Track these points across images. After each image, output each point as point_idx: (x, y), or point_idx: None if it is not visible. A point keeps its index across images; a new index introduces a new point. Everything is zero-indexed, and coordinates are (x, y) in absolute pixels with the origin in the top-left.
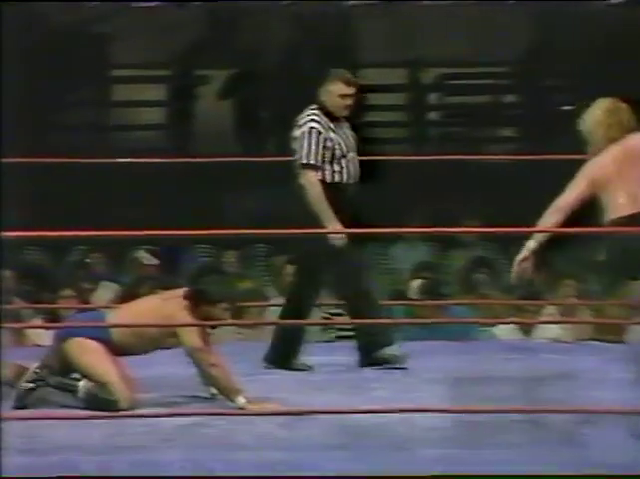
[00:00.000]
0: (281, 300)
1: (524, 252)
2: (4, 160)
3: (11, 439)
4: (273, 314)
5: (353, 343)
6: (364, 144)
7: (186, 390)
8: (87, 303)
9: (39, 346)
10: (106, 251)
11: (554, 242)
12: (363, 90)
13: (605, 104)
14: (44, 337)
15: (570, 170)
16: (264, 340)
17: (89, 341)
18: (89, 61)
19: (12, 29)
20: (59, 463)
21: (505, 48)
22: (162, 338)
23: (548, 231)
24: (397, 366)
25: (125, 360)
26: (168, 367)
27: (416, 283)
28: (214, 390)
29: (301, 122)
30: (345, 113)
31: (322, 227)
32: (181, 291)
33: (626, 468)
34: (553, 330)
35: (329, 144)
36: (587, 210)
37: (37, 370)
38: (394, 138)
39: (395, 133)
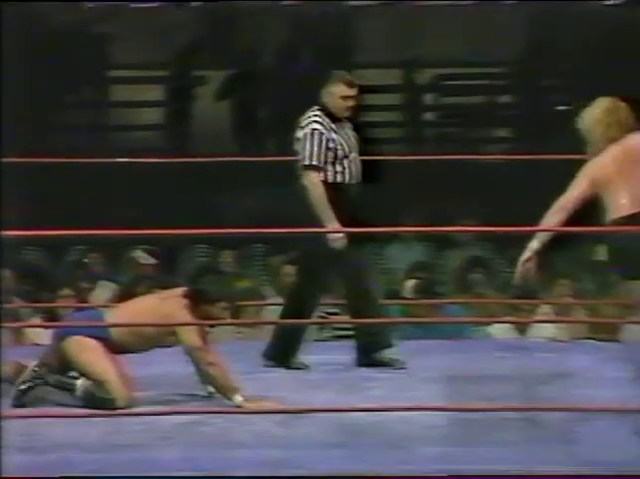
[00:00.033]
0: (279, 299)
1: (527, 253)
2: (4, 160)
3: (10, 437)
4: (270, 313)
5: (352, 342)
6: (362, 144)
7: (184, 388)
8: (85, 302)
9: (38, 345)
10: (104, 251)
11: (557, 243)
12: (361, 90)
13: (604, 103)
14: (43, 336)
15: (566, 170)
16: (262, 339)
17: (88, 339)
18: (87, 61)
19: (11, 29)
20: (57, 461)
21: (501, 49)
22: (161, 337)
23: (546, 230)
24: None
25: (123, 358)
26: (166, 366)
27: (410, 283)
28: (212, 389)
29: (303, 123)
30: (347, 114)
31: (322, 227)
32: (180, 290)
33: (621, 466)
34: (548, 329)
35: (331, 145)
36: (588, 210)
37: (36, 368)
38: (390, 138)
39: (391, 133)
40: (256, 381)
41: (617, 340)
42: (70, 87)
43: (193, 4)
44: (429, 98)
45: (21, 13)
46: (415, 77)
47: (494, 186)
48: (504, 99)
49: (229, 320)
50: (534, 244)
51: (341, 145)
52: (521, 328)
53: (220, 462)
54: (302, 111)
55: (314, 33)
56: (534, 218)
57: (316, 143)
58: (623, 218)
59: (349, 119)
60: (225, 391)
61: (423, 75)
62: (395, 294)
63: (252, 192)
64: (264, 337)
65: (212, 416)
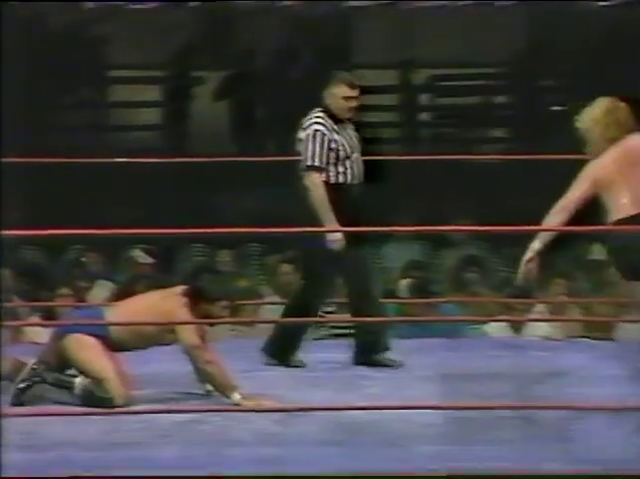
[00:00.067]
0: (275, 298)
1: (529, 253)
2: (4, 160)
3: (9, 436)
4: (268, 312)
5: (351, 341)
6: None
7: (182, 387)
8: (83, 301)
9: (36, 343)
10: (102, 250)
11: (558, 243)
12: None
13: (604, 103)
14: (41, 334)
15: (561, 169)
16: (259, 337)
17: (87, 337)
18: (86, 62)
19: (11, 29)
20: (56, 459)
21: (497, 50)
22: (160, 335)
23: (544, 230)
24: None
25: (122, 356)
26: (165, 364)
27: (405, 282)
28: (210, 387)
29: (306, 124)
30: (349, 115)
31: (321, 227)
32: (180, 289)
33: (615, 463)
34: (543, 328)
35: (333, 146)
36: (589, 210)
37: (34, 366)
38: (386, 138)
39: (387, 133)
40: (254, 379)
41: (611, 339)
42: (68, 87)
43: (191, 5)
44: (425, 98)
45: (20, 13)
46: (411, 77)
47: (490, 185)
48: (500, 99)
49: (229, 319)
50: (536, 245)
51: (343, 146)
52: (517, 327)
53: (218, 460)
54: (299, 111)
55: (311, 33)
56: (529, 217)
57: (318, 144)
58: (625, 219)
59: (351, 120)
60: (224, 389)
61: (419, 75)
62: (390, 294)
63: (250, 192)
64: (261, 335)
65: (210, 414)
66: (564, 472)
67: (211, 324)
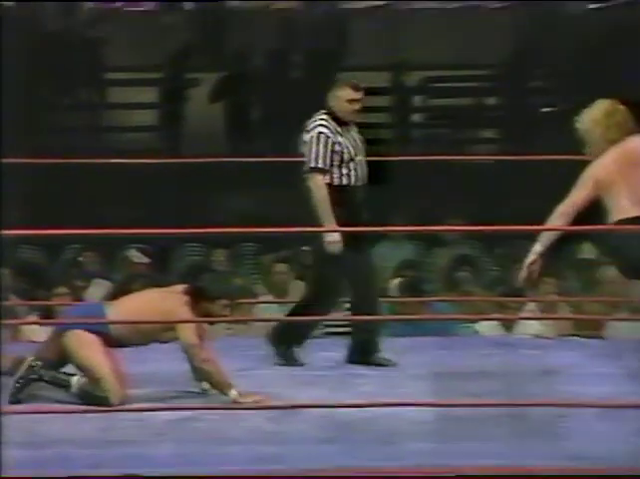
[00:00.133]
0: (269, 297)
1: (531, 256)
2: (4, 160)
3: (8, 433)
4: (261, 311)
5: (347, 340)
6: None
7: (178, 386)
8: (81, 300)
9: (34, 342)
10: (99, 250)
11: (560, 245)
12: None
13: (604, 105)
14: (39, 333)
15: (550, 169)
16: (255, 336)
17: (87, 334)
18: (82, 64)
19: (10, 31)
20: (53, 456)
21: (488, 51)
22: (160, 332)
23: (542, 229)
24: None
25: (119, 355)
26: (161, 363)
27: (397, 281)
28: (205, 385)
29: (310, 127)
30: (353, 117)
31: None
32: (181, 287)
33: (605, 460)
34: (534, 326)
35: (337, 148)
36: (590, 212)
37: (32, 364)
38: (381, 139)
39: (381, 134)
40: (250, 378)
41: (602, 337)
42: (65, 89)
43: (187, 7)
44: (417, 100)
45: (19, 14)
46: (403, 79)
47: (481, 185)
48: (491, 101)
49: (228, 318)
50: (538, 248)
51: (347, 148)
52: (508, 326)
53: (213, 458)
54: (294, 112)
55: (305, 35)
56: (521, 216)
57: (322, 146)
58: (625, 220)
59: (355, 122)
60: (221, 387)
61: (411, 77)
62: (383, 293)
63: (246, 192)
64: (256, 334)
65: (206, 412)
66: (554, 469)
67: (211, 323)
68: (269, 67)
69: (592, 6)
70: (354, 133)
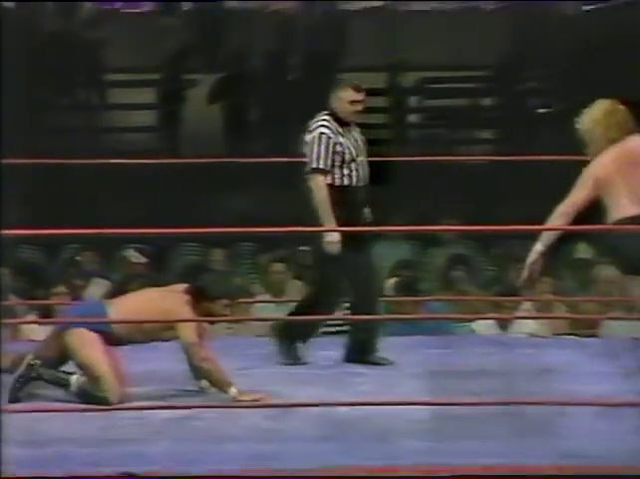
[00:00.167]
0: (267, 296)
1: (533, 255)
2: (4, 161)
3: (7, 431)
4: (259, 310)
5: (345, 339)
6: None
7: (176, 384)
8: (80, 300)
9: (33, 340)
10: (97, 249)
11: (561, 244)
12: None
13: (604, 105)
14: (38, 332)
15: (546, 170)
16: (251, 335)
17: (88, 332)
18: (81, 65)
19: (8, 32)
20: (53, 455)
21: (485, 53)
22: (161, 330)
23: (537, 229)
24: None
25: (119, 354)
26: (160, 362)
27: (392, 281)
28: (203, 384)
29: (311, 127)
30: (355, 118)
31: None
32: (183, 286)
33: (601, 458)
34: (530, 325)
35: (339, 149)
36: (590, 211)
37: (31, 363)
38: (382, 140)
39: (378, 134)
40: (248, 377)
41: (597, 336)
42: (63, 89)
43: (185, 8)
44: (413, 100)
45: (18, 17)
46: (401, 80)
47: (477, 185)
48: (487, 101)
49: (229, 317)
50: (539, 247)
51: (348, 148)
52: (504, 325)
53: (211, 456)
54: (291, 113)
55: (302, 36)
56: (517, 216)
57: (323, 146)
58: (625, 218)
59: (357, 123)
60: (221, 385)
61: (408, 78)
62: (380, 292)
63: (245, 192)
64: (252, 333)
65: (204, 411)
66: (551, 467)
67: (212, 322)
68: (267, 68)
69: (588, 7)
70: (356, 133)
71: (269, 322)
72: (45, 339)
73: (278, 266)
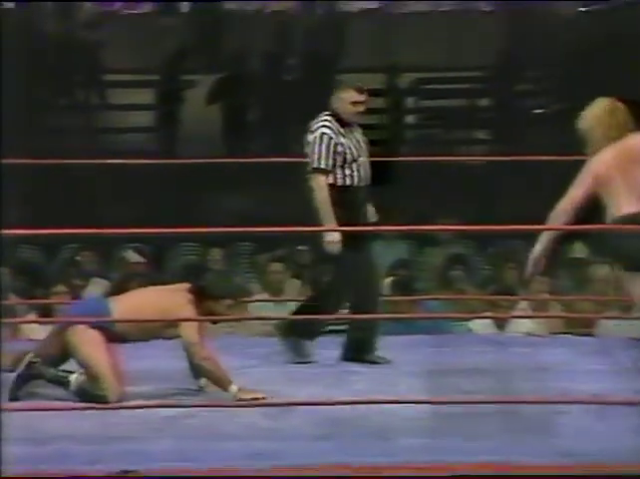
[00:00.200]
0: (265, 296)
1: (536, 252)
2: (4, 161)
3: (7, 430)
4: (256, 309)
5: (342, 338)
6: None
7: (176, 383)
8: (79, 299)
9: (32, 340)
10: (96, 249)
11: (560, 241)
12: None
13: (604, 104)
14: (37, 331)
15: (544, 170)
16: (250, 334)
17: (90, 330)
18: (80, 66)
19: (8, 32)
20: (53, 453)
21: (480, 54)
22: (163, 328)
23: (533, 229)
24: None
25: (119, 353)
26: (159, 360)
27: (389, 280)
28: (202, 382)
29: (313, 128)
30: (357, 119)
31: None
32: (186, 285)
33: (596, 456)
34: (526, 324)
35: (340, 149)
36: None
37: (32, 361)
38: (384, 140)
39: (375, 135)
40: (247, 376)
41: (592, 335)
42: (63, 90)
43: (183, 9)
44: (410, 101)
45: (17, 18)
46: (397, 81)
47: (473, 186)
48: (483, 102)
49: (230, 316)
50: (541, 244)
51: (350, 149)
52: (500, 324)
53: (210, 454)
54: (291, 114)
55: (300, 38)
56: (513, 215)
57: (324, 147)
58: (624, 216)
59: (359, 124)
60: (221, 384)
61: (404, 79)
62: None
63: (243, 193)
64: (252, 333)
65: (203, 409)
66: (546, 465)
67: (214, 322)
68: (265, 68)
69: (581, 10)
70: (357, 134)
71: (269, 322)
72: (46, 337)
73: (276, 266)
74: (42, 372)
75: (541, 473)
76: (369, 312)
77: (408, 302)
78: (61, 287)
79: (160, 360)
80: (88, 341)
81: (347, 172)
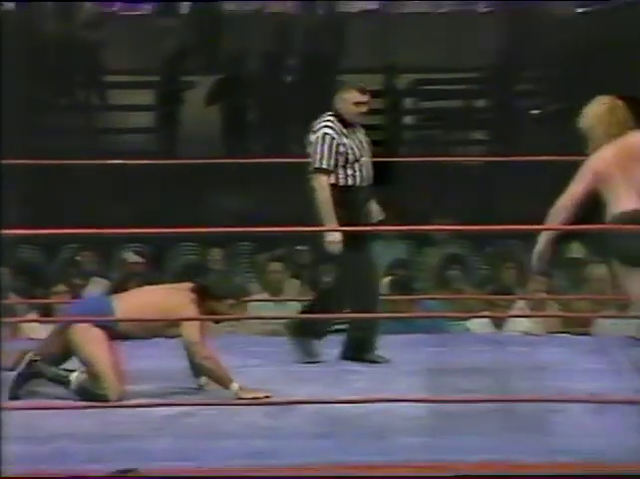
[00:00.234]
0: (264, 295)
1: (540, 246)
2: (4, 162)
3: (7, 428)
4: (257, 309)
5: (342, 337)
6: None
7: (176, 382)
8: (79, 298)
9: (33, 339)
10: (96, 249)
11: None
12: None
13: (605, 101)
14: (37, 330)
15: (540, 170)
16: (249, 333)
17: (93, 329)
18: (80, 67)
19: (8, 33)
20: (53, 451)
21: (478, 54)
22: (165, 327)
23: (532, 229)
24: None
25: (121, 352)
26: (159, 360)
27: (387, 279)
28: (202, 381)
29: (316, 128)
30: (359, 120)
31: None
32: (189, 285)
33: (593, 454)
34: (524, 324)
35: (342, 149)
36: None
37: (32, 360)
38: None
39: (374, 136)
40: (247, 375)
41: (589, 334)
42: (62, 91)
43: (182, 10)
44: (408, 102)
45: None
46: (395, 82)
47: (470, 185)
48: (480, 103)
49: (234, 316)
50: (543, 238)
51: (352, 149)
52: (498, 323)
53: (210, 452)
54: (289, 115)
55: (300, 38)
56: (509, 215)
57: (326, 147)
58: (624, 213)
59: (362, 124)
60: (222, 382)
61: (402, 80)
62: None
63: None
64: (250, 332)
65: (203, 408)
66: (544, 464)
67: (216, 321)
68: (265, 69)
69: (579, 11)
70: (360, 134)
71: (270, 321)
72: (48, 336)
73: (276, 266)
74: (42, 371)
75: (539, 471)
76: (369, 312)
77: (406, 302)
78: (61, 287)
79: (161, 359)
80: (90, 340)
81: (349, 172)
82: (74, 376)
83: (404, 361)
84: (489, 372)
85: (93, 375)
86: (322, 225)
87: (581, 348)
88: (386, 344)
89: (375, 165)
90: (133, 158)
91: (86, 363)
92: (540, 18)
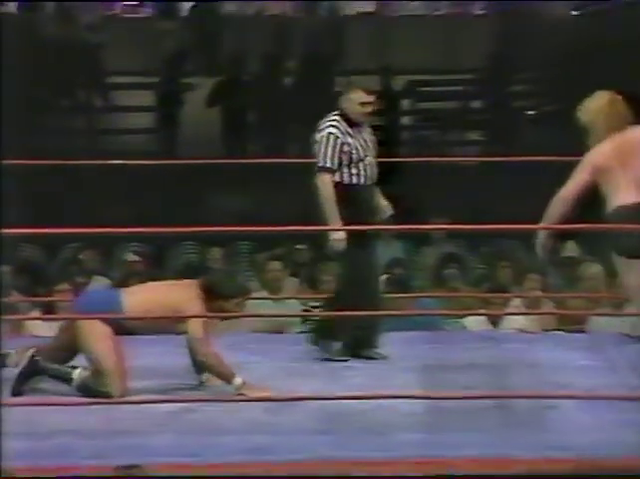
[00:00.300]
0: (264, 294)
1: (542, 238)
2: (4, 162)
3: (9, 424)
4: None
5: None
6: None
7: (178, 378)
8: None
9: (35, 336)
10: (98, 248)
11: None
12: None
13: (605, 95)
14: (40, 328)
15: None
16: (249, 331)
17: (100, 325)
18: (81, 68)
19: (9, 34)
20: (55, 447)
21: (474, 56)
22: (171, 323)
23: (530, 229)
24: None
25: (125, 348)
26: (161, 356)
27: (384, 278)
28: (204, 378)
29: (321, 127)
30: (365, 119)
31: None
32: (196, 282)
33: (587, 450)
34: (519, 321)
35: (346, 149)
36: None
37: (34, 357)
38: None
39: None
40: (248, 371)
41: (584, 331)
42: (63, 92)
43: (183, 13)
44: (405, 103)
45: (18, 20)
46: (392, 83)
47: (469, 185)
48: (476, 104)
49: (237, 313)
50: (542, 239)
51: (356, 149)
52: (494, 321)
53: (211, 448)
54: (289, 116)
55: (299, 40)
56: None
57: (331, 146)
58: (623, 206)
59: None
60: (225, 377)
61: (399, 81)
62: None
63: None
64: (249, 329)
65: (204, 404)
66: (539, 459)
67: (222, 319)
68: (264, 71)
69: (575, 13)
70: (366, 134)
71: (270, 320)
72: (56, 334)
73: (275, 264)
74: (45, 368)
75: (535, 467)
76: (372, 310)
77: (403, 300)
78: (63, 285)
79: (163, 356)
80: (96, 335)
81: (353, 171)
82: (76, 373)
83: (401, 358)
84: (486, 369)
85: (96, 372)
86: (326, 223)
87: (576, 345)
88: (384, 341)
89: (378, 164)
90: (133, 158)
91: (90, 359)
92: (534, 20)
